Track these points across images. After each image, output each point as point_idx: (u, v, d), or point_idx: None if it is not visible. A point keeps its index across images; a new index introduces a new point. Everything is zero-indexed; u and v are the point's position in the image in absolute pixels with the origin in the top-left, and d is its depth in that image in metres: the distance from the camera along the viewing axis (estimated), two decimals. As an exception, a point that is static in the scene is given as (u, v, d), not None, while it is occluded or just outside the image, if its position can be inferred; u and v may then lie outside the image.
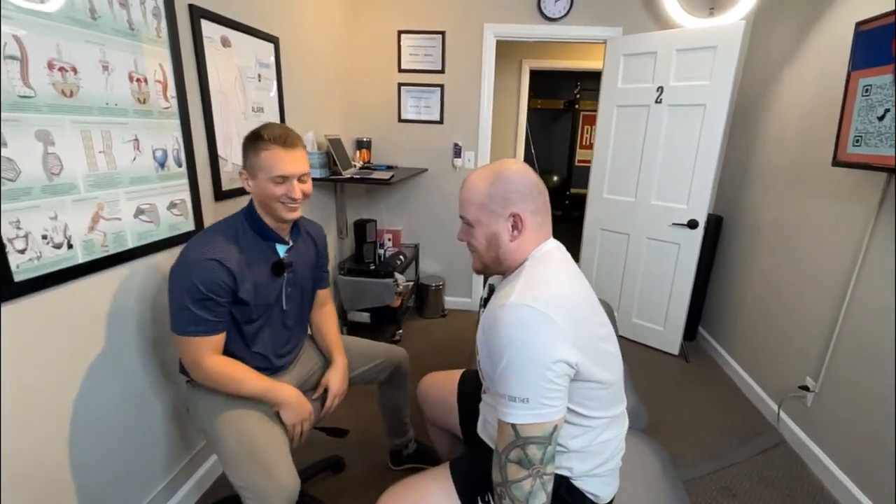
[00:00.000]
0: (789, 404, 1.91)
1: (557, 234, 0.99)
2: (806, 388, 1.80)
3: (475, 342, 0.94)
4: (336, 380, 1.29)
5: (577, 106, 6.00)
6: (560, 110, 6.14)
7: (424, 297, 3.00)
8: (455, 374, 1.35)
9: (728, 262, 2.56)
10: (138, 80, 1.18)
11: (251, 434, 1.08)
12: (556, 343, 0.78)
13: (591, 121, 6.14)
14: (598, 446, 0.93)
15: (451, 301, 3.17)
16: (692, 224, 2.38)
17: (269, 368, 1.23)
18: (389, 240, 2.90)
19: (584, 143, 6.19)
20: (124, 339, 1.22)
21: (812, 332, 1.81)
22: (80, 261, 1.05)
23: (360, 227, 2.57)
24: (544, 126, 6.19)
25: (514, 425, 0.78)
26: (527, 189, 0.90)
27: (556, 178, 6.19)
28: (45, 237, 0.97)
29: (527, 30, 2.65)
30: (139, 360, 1.28)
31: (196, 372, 1.08)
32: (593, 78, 5.79)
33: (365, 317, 2.64)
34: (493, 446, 1.06)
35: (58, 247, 1.00)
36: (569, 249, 1.00)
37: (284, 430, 1.15)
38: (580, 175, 6.11)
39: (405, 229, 3.07)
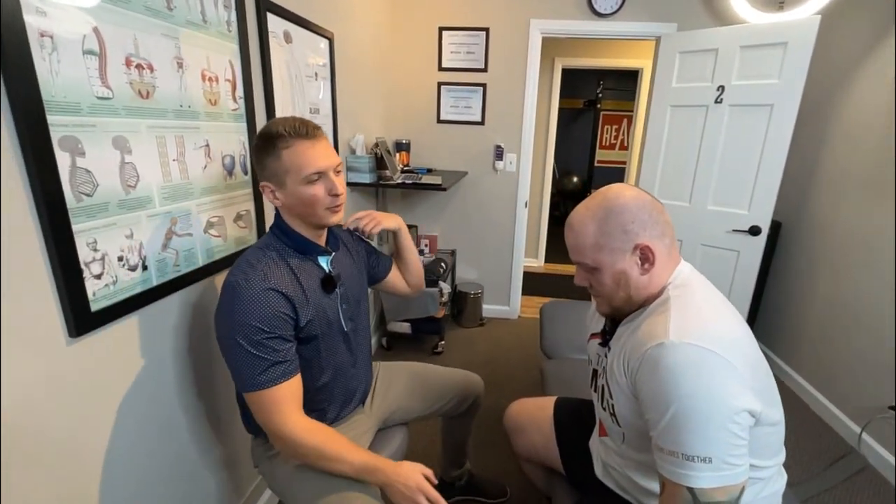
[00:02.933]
0: (874, 425, 1.79)
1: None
2: (896, 409, 1.69)
3: (616, 383, 0.82)
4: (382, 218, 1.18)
5: (598, 105, 5.87)
6: (580, 109, 6.01)
7: (462, 306, 2.87)
8: (547, 403, 1.23)
9: (788, 269, 2.43)
10: (210, 79, 1.05)
11: (339, 499, 0.90)
12: (737, 390, 0.67)
13: (613, 120, 6.01)
14: (762, 502, 0.81)
15: (489, 309, 3.04)
16: (754, 231, 2.26)
17: (346, 404, 1.09)
18: (426, 245, 2.78)
19: (604, 144, 6.07)
20: (195, 367, 1.10)
21: (903, 348, 1.69)
22: (154, 283, 0.93)
23: (402, 234, 2.44)
24: (564, 125, 6.05)
25: (692, 489, 0.67)
26: (645, 214, 0.77)
27: (575, 180, 6.07)
28: (120, 259, 0.85)
29: (575, 26, 2.52)
30: (214, 389, 1.16)
31: (280, 442, 0.88)
32: (615, 76, 5.73)
33: (405, 327, 2.51)
34: (619, 492, 0.95)
35: (133, 269, 0.88)
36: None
37: (379, 492, 0.93)
38: (601, 176, 5.99)
39: (441, 235, 2.95)
